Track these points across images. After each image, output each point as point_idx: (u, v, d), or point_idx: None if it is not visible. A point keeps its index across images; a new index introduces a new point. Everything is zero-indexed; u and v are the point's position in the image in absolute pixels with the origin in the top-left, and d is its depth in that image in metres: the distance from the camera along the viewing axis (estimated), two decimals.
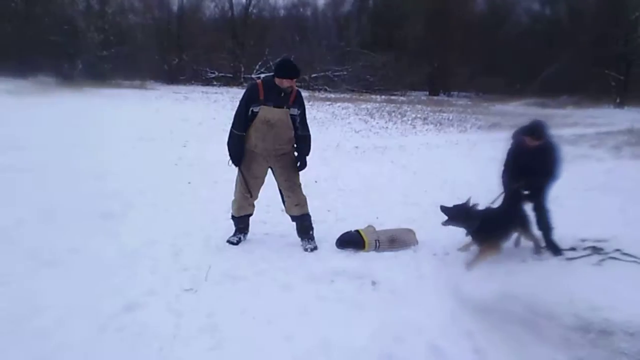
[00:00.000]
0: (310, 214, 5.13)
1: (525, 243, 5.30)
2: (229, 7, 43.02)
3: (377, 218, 5.97)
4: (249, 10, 43.06)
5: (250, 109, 4.70)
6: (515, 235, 5.22)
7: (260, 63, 37.99)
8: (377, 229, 5.21)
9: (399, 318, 3.63)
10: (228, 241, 5.03)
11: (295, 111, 4.83)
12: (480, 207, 4.89)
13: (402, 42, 43.21)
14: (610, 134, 16.06)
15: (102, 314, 3.43)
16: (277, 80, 4.66)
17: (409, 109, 23.33)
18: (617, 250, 5.02)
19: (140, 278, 4.08)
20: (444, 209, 4.87)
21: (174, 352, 3.06)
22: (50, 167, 7.96)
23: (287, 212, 5.12)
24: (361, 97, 30.81)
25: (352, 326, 3.47)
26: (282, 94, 4.70)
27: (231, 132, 4.82)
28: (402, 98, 33.47)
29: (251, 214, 5.14)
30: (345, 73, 38.64)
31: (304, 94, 5.17)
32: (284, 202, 5.08)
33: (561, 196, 5.83)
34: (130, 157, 9.36)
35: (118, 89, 25.67)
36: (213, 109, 18.48)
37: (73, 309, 3.50)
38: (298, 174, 5.03)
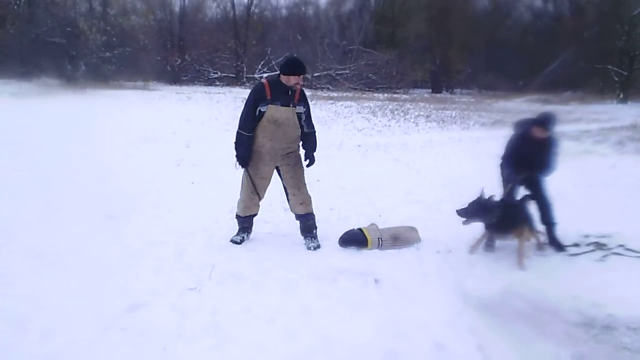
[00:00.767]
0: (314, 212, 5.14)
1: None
2: (231, 7, 43.07)
3: (380, 216, 5.98)
4: (251, 9, 43.08)
5: (258, 109, 4.68)
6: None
7: (262, 62, 38.03)
8: (380, 227, 5.21)
9: (402, 315, 3.63)
10: (232, 240, 5.04)
11: (301, 109, 4.84)
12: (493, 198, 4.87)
13: (404, 40, 43.19)
14: (614, 130, 16.01)
15: (106, 314, 3.44)
16: (283, 78, 4.67)
17: (411, 106, 23.28)
18: (621, 245, 5.02)
19: (144, 278, 4.09)
20: (460, 212, 4.80)
21: (178, 351, 3.07)
22: (54, 168, 7.99)
23: (291, 210, 5.11)
24: (364, 95, 30.79)
25: (354, 324, 3.47)
26: (289, 92, 4.70)
27: (239, 133, 4.78)
28: (404, 96, 33.42)
29: (256, 214, 5.14)
30: (347, 72, 38.62)
31: (307, 93, 5.17)
32: (288, 200, 5.07)
33: (564, 192, 5.84)
34: (134, 158, 9.39)
35: (121, 90, 25.72)
36: (216, 109, 18.49)
37: (77, 308, 3.51)
38: (304, 173, 5.04)
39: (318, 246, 5.03)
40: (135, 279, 4.05)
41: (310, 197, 5.08)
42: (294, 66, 4.73)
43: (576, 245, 5.13)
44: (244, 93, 27.22)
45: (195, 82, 37.11)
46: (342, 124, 16.41)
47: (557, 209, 5.13)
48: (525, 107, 23.34)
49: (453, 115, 20.64)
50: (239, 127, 4.77)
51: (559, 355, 3.22)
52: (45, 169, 7.89)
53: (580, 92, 32.76)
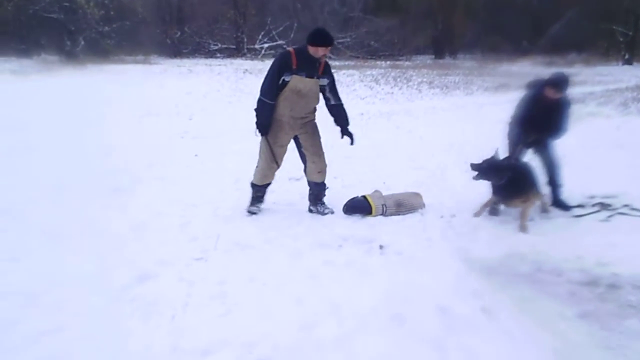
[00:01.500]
0: None
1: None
2: None
3: (384, 183, 5.99)
4: None
5: (282, 78, 4.62)
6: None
7: (262, 33, 37.59)
8: (384, 194, 5.22)
9: (407, 280, 3.66)
10: (249, 211, 5.03)
11: (324, 81, 4.78)
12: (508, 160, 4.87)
13: (406, 5, 42.56)
14: (618, 91, 15.91)
15: (115, 286, 3.48)
16: (311, 49, 4.57)
17: (414, 73, 23.10)
18: (626, 205, 5.04)
19: (151, 249, 4.13)
20: (473, 166, 4.81)
21: (186, 319, 3.10)
22: (58, 144, 8.03)
23: (308, 177, 5.10)
24: (366, 63, 30.52)
25: (361, 289, 3.50)
26: (315, 64, 4.64)
27: (261, 101, 4.68)
28: (407, 63, 33.15)
29: (271, 183, 5.13)
30: (349, 40, 38.18)
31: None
32: (306, 167, 5.06)
33: (570, 154, 5.82)
34: (137, 132, 9.40)
35: (121, 64, 25.56)
36: (217, 81, 18.40)
37: (86, 281, 3.56)
38: (321, 141, 5.03)
39: (332, 211, 5.08)
40: (142, 251, 4.09)
41: (326, 167, 5.08)
42: (323, 37, 4.61)
43: (581, 206, 5.15)
44: (245, 64, 27.09)
45: (196, 55, 36.77)
46: (345, 92, 16.23)
47: (563, 171, 5.12)
48: (529, 69, 23.08)
49: (456, 80, 20.48)
50: (262, 94, 4.68)
51: (564, 314, 3.25)
52: (49, 146, 7.92)
53: (585, 53, 32.36)
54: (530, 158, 5.21)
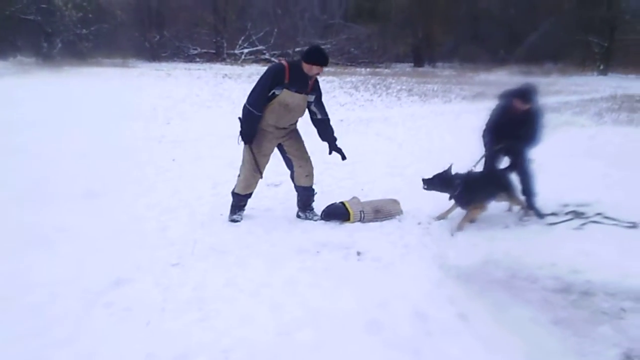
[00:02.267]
0: None
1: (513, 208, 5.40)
2: None
3: (362, 189, 6.02)
4: None
5: (273, 91, 4.59)
6: (503, 199, 5.28)
7: (242, 38, 37.48)
8: (362, 200, 5.24)
9: (383, 286, 3.68)
10: (232, 220, 4.98)
11: (311, 97, 4.78)
12: (462, 172, 4.97)
13: (386, 13, 42.81)
14: (593, 101, 16.19)
15: (91, 290, 3.45)
16: (305, 67, 4.55)
17: (393, 81, 23.23)
18: (599, 214, 5.11)
19: (127, 254, 4.09)
20: (425, 181, 5.01)
21: (162, 325, 3.08)
22: (34, 147, 7.90)
23: (295, 182, 5.09)
24: (346, 70, 30.57)
25: (337, 295, 3.51)
26: (306, 80, 4.64)
27: (249, 110, 4.61)
28: (387, 70, 33.30)
29: (253, 192, 5.09)
30: (329, 46, 38.13)
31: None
32: (293, 173, 5.06)
33: (545, 162, 5.90)
34: (114, 136, 9.27)
35: (99, 67, 25.25)
36: (196, 85, 18.27)
37: (62, 285, 3.51)
38: (305, 145, 5.04)
39: (320, 217, 5.10)
40: (119, 255, 4.05)
41: (313, 171, 5.08)
42: (319, 56, 4.59)
43: (555, 214, 5.22)
44: (224, 69, 26.98)
45: (175, 59, 36.42)
46: (325, 99, 16.16)
47: (538, 179, 5.20)
48: (506, 79, 23.33)
49: (435, 89, 20.64)
50: (250, 104, 4.60)
51: (538, 320, 3.30)
52: (23, 148, 7.79)
53: (561, 63, 32.89)
54: (503, 165, 5.28)
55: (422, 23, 43.00)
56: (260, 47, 36.51)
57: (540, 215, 5.17)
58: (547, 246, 4.45)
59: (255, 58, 35.90)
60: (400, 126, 11.73)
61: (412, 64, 43.12)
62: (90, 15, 31.38)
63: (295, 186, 5.12)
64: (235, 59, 35.45)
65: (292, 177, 5.11)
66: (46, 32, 30.08)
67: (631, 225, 4.86)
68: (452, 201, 5.08)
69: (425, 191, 5.01)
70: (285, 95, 4.59)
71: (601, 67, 33.91)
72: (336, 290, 3.59)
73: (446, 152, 8.17)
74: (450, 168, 4.95)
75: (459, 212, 5.14)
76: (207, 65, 31.16)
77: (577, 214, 5.16)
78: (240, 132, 4.70)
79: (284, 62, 4.68)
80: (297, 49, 36.32)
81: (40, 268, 3.79)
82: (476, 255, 4.29)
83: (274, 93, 4.59)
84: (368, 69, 32.45)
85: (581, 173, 6.87)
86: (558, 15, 33.61)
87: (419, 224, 5.05)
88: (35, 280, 3.59)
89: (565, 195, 5.65)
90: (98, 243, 4.32)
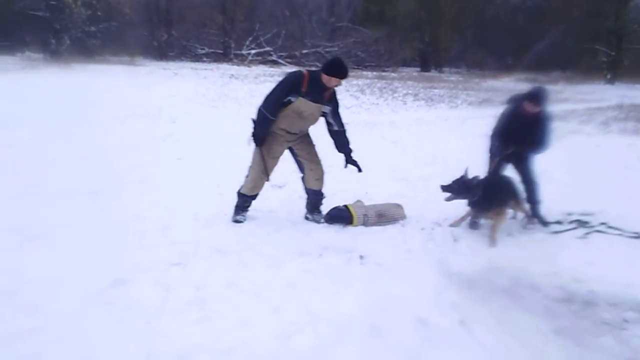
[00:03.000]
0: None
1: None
2: None
3: (366, 193, 5.99)
4: None
5: (289, 97, 4.60)
6: (510, 206, 5.24)
7: (250, 39, 37.54)
8: (365, 204, 5.23)
9: (385, 291, 3.66)
10: (236, 221, 4.96)
11: (327, 108, 4.78)
12: (479, 177, 4.93)
13: (393, 18, 42.83)
14: (600, 110, 16.15)
15: (90, 289, 3.43)
16: (324, 78, 4.56)
17: (400, 85, 23.25)
18: (603, 223, 5.09)
19: (128, 253, 4.08)
20: (444, 188, 4.91)
21: (162, 325, 3.07)
22: (38, 143, 7.93)
23: (306, 185, 5.09)
24: (352, 73, 30.53)
25: (339, 299, 3.49)
26: (324, 91, 4.64)
27: (263, 114, 4.61)
28: (393, 74, 33.30)
29: (259, 194, 5.07)
30: (336, 49, 38.24)
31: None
32: (303, 176, 5.07)
33: (550, 170, 5.89)
34: (119, 134, 9.30)
35: (106, 65, 25.35)
36: (203, 85, 18.31)
37: (61, 283, 3.50)
38: (316, 149, 5.04)
39: (324, 220, 5.10)
40: (120, 254, 4.04)
41: (324, 173, 5.08)
42: (339, 69, 4.60)
43: (559, 222, 5.19)
44: (231, 70, 27.05)
45: (182, 58, 36.52)
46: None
47: (542, 187, 5.18)
48: (513, 86, 23.36)
49: (441, 94, 20.64)
50: (265, 108, 4.60)
51: (540, 329, 3.27)
52: (29, 144, 7.81)
53: (568, 72, 32.82)
54: (509, 172, 5.25)
55: (429, 28, 43.04)
56: (267, 49, 36.57)
57: (544, 223, 5.15)
58: (551, 255, 4.43)
59: (263, 59, 35.95)
60: (406, 130, 11.72)
61: (419, 69, 43.17)
62: (99, 13, 31.47)
63: (306, 189, 5.12)
64: (242, 60, 35.51)
65: (302, 179, 5.11)
66: (55, 28, 30.16)
67: (635, 235, 4.83)
68: (468, 208, 5.02)
69: (444, 200, 4.92)
70: (300, 104, 4.59)
71: (608, 76, 33.81)
72: (337, 294, 3.58)
73: (451, 157, 8.17)
74: (466, 172, 4.89)
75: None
76: (214, 65, 31.25)
77: (582, 223, 5.13)
78: (253, 133, 4.71)
79: (304, 71, 4.68)
80: (305, 51, 36.42)
81: (39, 265, 3.79)
82: (479, 262, 4.27)
83: (289, 100, 4.59)
84: (374, 73, 32.49)
85: (586, 182, 6.85)
86: (566, 23, 33.52)
87: (423, 229, 5.03)
88: (34, 277, 3.57)
89: (570, 203, 5.62)
90: (98, 241, 4.31)
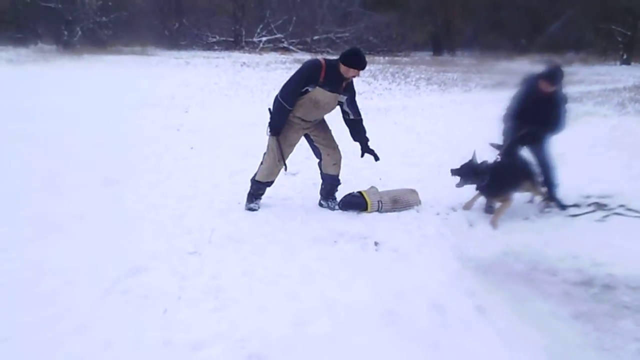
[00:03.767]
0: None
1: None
2: None
3: (380, 179, 5.97)
4: None
5: (306, 87, 4.57)
6: (526, 189, 5.19)
7: (261, 26, 37.44)
8: (380, 190, 5.20)
9: (401, 277, 3.65)
10: (249, 209, 4.97)
11: (343, 98, 4.76)
12: (488, 162, 4.88)
13: (405, 1, 42.41)
14: (616, 91, 15.92)
15: (107, 278, 3.46)
16: (343, 69, 4.54)
17: (412, 69, 23.07)
18: (622, 206, 5.03)
19: (144, 242, 4.10)
20: (454, 171, 4.86)
21: (179, 313, 3.08)
22: (53, 135, 7.98)
23: (323, 170, 5.09)
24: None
25: (354, 286, 3.49)
26: (340, 81, 4.61)
27: (281, 104, 4.60)
28: (405, 59, 33.04)
29: (274, 181, 5.08)
30: (347, 34, 38.02)
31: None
32: (321, 161, 5.06)
33: (566, 153, 5.82)
34: (133, 123, 9.33)
35: (119, 55, 25.44)
36: (215, 73, 18.31)
37: (78, 273, 3.53)
38: (332, 134, 5.03)
39: (338, 207, 5.09)
40: (136, 243, 4.06)
41: (342, 158, 5.07)
42: (358, 60, 4.56)
43: (577, 205, 5.14)
44: (242, 57, 27.00)
45: (194, 47, 36.54)
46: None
47: (559, 170, 5.11)
48: (527, 67, 23.01)
49: (454, 77, 20.46)
50: (282, 98, 4.59)
51: (558, 313, 3.24)
52: (44, 135, 7.87)
53: (583, 53, 32.37)
54: (525, 154, 5.19)
55: (441, 11, 42.55)
56: (278, 35, 36.48)
57: (561, 206, 5.09)
58: (569, 238, 4.38)
59: (274, 46, 35.89)
60: (419, 115, 11.64)
61: (431, 53, 42.83)
62: (110, 3, 31.56)
63: (322, 174, 5.11)
64: (253, 47, 35.49)
65: (319, 165, 5.10)
66: (67, 19, 30.32)
67: None
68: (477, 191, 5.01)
69: (455, 186, 4.88)
70: (317, 93, 4.57)
71: (624, 56, 33.29)
72: (353, 280, 3.57)
73: (465, 141, 8.07)
74: (474, 156, 4.85)
75: (481, 202, 5.10)
76: (225, 54, 31.24)
77: (600, 206, 5.07)
78: (269, 123, 4.70)
79: (321, 60, 4.64)
80: (316, 37, 36.24)
81: (55, 256, 3.82)
82: (495, 247, 4.24)
83: (307, 89, 4.57)
84: (387, 58, 32.25)
85: (603, 164, 6.77)
86: (581, 3, 32.98)
87: (438, 214, 5.00)
88: (50, 268, 3.61)
89: (587, 186, 5.56)
90: (114, 231, 4.34)
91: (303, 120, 4.75)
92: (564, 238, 4.38)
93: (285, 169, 4.93)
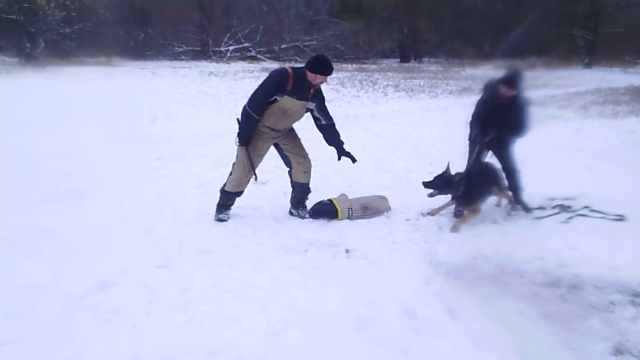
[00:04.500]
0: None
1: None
2: None
3: (350, 186, 5.99)
4: None
5: (274, 96, 4.56)
6: (494, 193, 5.27)
7: (228, 35, 37.29)
8: (349, 197, 5.22)
9: (372, 284, 3.66)
10: (219, 219, 4.92)
11: (312, 104, 4.75)
12: (461, 171, 4.95)
13: (371, 9, 42.79)
14: (578, 94, 16.28)
15: (74, 293, 3.38)
16: (310, 76, 4.54)
17: (380, 76, 23.22)
18: (585, 207, 5.13)
19: (112, 256, 4.02)
20: (427, 184, 4.93)
21: (149, 328, 3.03)
22: (16, 147, 7.78)
23: (293, 178, 5.07)
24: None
25: (325, 294, 3.48)
26: (308, 88, 4.61)
27: (249, 114, 4.58)
28: (373, 66, 33.23)
29: (243, 191, 5.04)
30: (315, 43, 38.12)
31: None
32: (291, 169, 5.04)
33: (530, 156, 5.92)
34: (99, 135, 9.15)
35: (83, 66, 24.99)
36: (182, 83, 18.14)
37: (43, 289, 3.44)
38: (301, 142, 5.03)
39: (308, 215, 5.08)
40: (103, 258, 3.98)
41: (312, 166, 5.07)
42: (324, 66, 4.57)
43: (542, 208, 5.23)
44: (210, 67, 26.83)
45: (160, 57, 36.09)
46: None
47: (524, 173, 5.20)
48: (492, 73, 23.34)
49: (421, 84, 20.66)
50: (250, 108, 4.57)
51: (527, 314, 3.29)
52: (5, 148, 7.67)
53: (546, 57, 33.02)
54: (490, 160, 5.27)
55: (407, 19, 43.04)
56: (246, 44, 36.36)
57: (527, 209, 5.18)
58: (535, 240, 4.46)
59: (241, 55, 35.74)
60: (388, 122, 11.72)
61: (399, 60, 43.16)
62: (73, 14, 30.97)
63: (292, 182, 5.10)
64: (220, 57, 35.29)
65: (289, 173, 5.09)
66: (29, 31, 29.68)
67: (618, 218, 4.88)
68: (447, 198, 5.06)
69: (428, 196, 4.95)
70: (286, 102, 4.57)
71: (586, 60, 34.11)
72: (324, 289, 3.57)
73: (433, 147, 8.20)
74: (448, 168, 4.91)
75: (450, 209, 5.16)
76: (192, 63, 31.00)
77: (564, 208, 5.18)
78: (238, 133, 4.67)
79: (288, 69, 4.63)
80: (283, 46, 36.28)
81: (20, 271, 3.72)
82: (465, 250, 4.29)
83: (275, 99, 4.56)
84: (354, 65, 32.36)
85: (567, 167, 6.91)
86: (543, 8, 33.71)
87: (407, 220, 5.03)
88: (14, 284, 3.51)
89: (552, 189, 5.67)
90: (81, 244, 4.25)
91: (272, 129, 4.74)
92: (530, 240, 4.46)
93: (256, 179, 4.92)
